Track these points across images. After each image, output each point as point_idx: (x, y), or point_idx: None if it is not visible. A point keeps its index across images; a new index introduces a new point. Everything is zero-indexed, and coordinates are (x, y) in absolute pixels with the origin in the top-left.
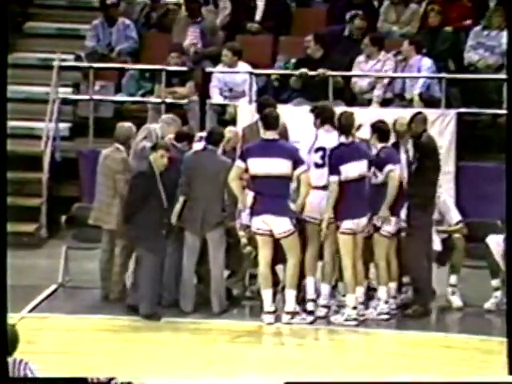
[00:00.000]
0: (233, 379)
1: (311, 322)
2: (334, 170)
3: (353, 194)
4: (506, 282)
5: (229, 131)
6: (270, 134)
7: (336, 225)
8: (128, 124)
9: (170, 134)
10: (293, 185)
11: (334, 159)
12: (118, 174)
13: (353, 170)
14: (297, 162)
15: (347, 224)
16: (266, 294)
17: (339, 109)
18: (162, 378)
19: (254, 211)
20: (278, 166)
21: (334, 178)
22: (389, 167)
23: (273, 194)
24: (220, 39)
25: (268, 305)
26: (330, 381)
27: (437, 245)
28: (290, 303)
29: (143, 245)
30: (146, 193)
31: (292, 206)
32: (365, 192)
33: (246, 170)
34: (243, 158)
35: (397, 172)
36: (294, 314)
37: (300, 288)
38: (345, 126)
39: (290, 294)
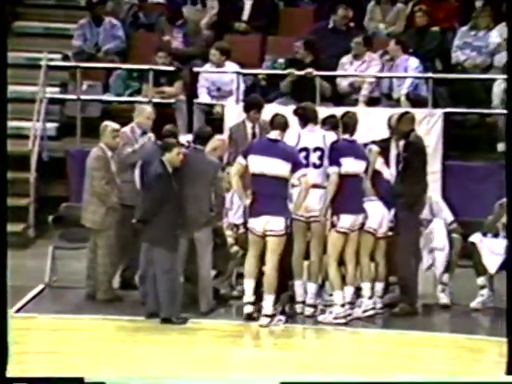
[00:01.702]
0: (222, 379)
1: (285, 322)
2: (334, 162)
3: (351, 188)
4: (506, 282)
5: (216, 139)
6: (274, 134)
7: (331, 222)
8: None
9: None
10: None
11: (334, 151)
12: (94, 171)
13: (352, 165)
14: (296, 164)
15: (344, 222)
16: (248, 283)
17: (328, 110)
18: (150, 378)
19: (252, 211)
20: (275, 166)
21: (335, 169)
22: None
23: (270, 194)
24: (203, 40)
25: (248, 295)
26: (328, 381)
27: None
28: (268, 307)
29: (163, 246)
30: (163, 194)
31: (290, 206)
32: (361, 190)
33: (247, 167)
34: (245, 154)
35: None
36: (272, 316)
37: (287, 288)
38: (348, 125)
39: (269, 299)
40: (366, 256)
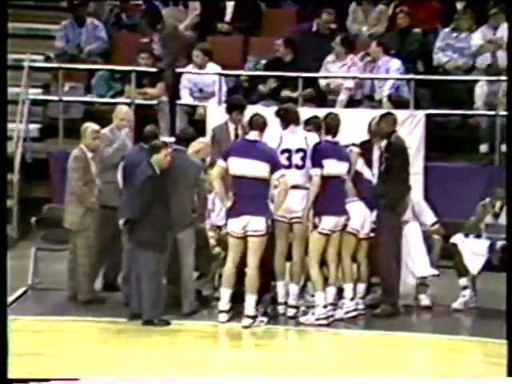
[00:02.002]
0: (212, 380)
1: (267, 323)
2: (316, 164)
3: (333, 190)
4: (506, 283)
5: (199, 142)
6: (253, 135)
7: (313, 223)
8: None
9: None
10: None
11: (316, 153)
12: (73, 172)
13: (334, 167)
14: (275, 165)
15: (326, 224)
16: (225, 292)
17: (311, 111)
18: (131, 379)
19: (232, 213)
20: (255, 168)
21: (317, 171)
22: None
23: (251, 195)
24: (180, 46)
25: (224, 303)
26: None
27: None
28: (250, 307)
29: (151, 249)
30: (153, 196)
31: (271, 207)
32: (343, 192)
33: (227, 170)
34: (224, 156)
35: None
36: (254, 317)
37: (270, 289)
38: (330, 126)
39: (250, 299)
40: (348, 257)
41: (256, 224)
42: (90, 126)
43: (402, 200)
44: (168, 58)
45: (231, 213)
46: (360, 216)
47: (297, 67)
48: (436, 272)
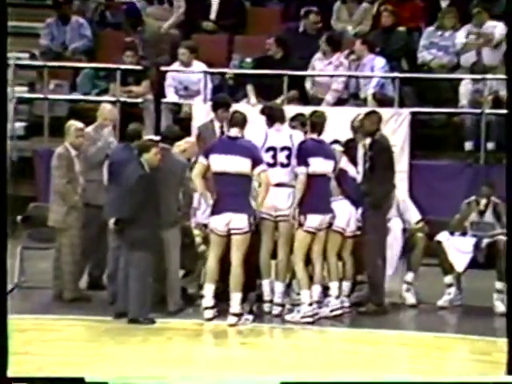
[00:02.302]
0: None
1: (253, 321)
2: (302, 162)
3: (319, 188)
4: (506, 282)
5: (185, 142)
6: (234, 132)
7: (298, 221)
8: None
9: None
10: (255, 183)
11: (302, 151)
12: (56, 170)
13: (319, 165)
14: (256, 160)
15: (311, 222)
16: (208, 288)
17: (295, 109)
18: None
19: (215, 210)
20: (237, 163)
21: (302, 170)
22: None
23: (233, 192)
24: (165, 44)
25: (208, 300)
26: (328, 381)
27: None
28: (235, 305)
29: (143, 249)
30: (146, 195)
31: (253, 204)
32: (329, 190)
33: (209, 167)
34: (206, 154)
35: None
36: (239, 315)
37: (255, 287)
38: (316, 124)
39: (236, 297)
40: (333, 255)
41: (238, 222)
42: (74, 124)
43: (387, 199)
44: (151, 59)
45: (214, 210)
46: (345, 214)
47: (287, 66)
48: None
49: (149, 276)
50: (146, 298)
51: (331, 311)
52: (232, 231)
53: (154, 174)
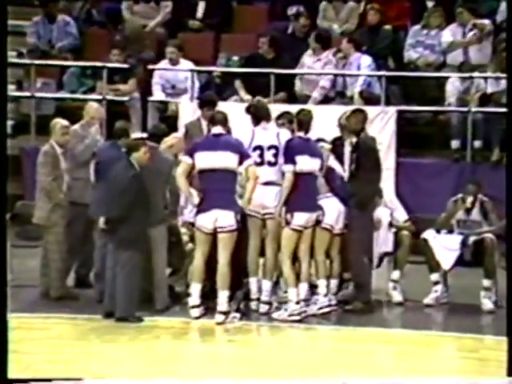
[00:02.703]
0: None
1: (240, 319)
2: (289, 160)
3: (306, 186)
4: (506, 282)
5: (172, 137)
6: (217, 129)
7: (285, 219)
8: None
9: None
10: (240, 180)
11: (289, 149)
12: (41, 167)
13: (306, 163)
14: (242, 155)
15: (298, 220)
16: (195, 288)
17: (282, 107)
18: (103, 378)
19: (201, 208)
20: (223, 159)
21: (289, 168)
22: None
23: (219, 189)
24: (148, 43)
25: (194, 299)
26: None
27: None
28: (223, 303)
29: (132, 248)
30: (137, 194)
31: (239, 201)
32: (316, 188)
33: (193, 166)
34: (190, 153)
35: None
36: (227, 313)
37: (242, 285)
38: (303, 122)
39: (223, 295)
40: (321, 253)
41: (225, 219)
42: (59, 122)
43: (372, 199)
44: (135, 56)
45: (200, 208)
46: (334, 211)
47: (277, 66)
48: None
49: (136, 275)
50: (133, 297)
51: (319, 309)
52: (219, 229)
53: (142, 172)
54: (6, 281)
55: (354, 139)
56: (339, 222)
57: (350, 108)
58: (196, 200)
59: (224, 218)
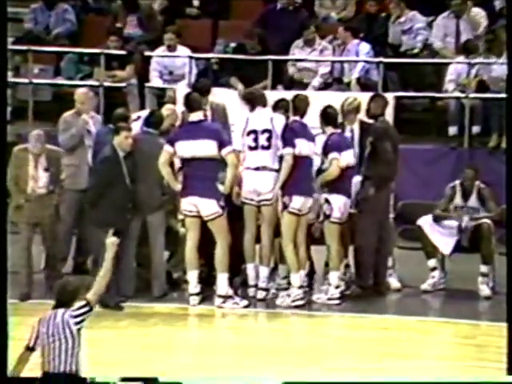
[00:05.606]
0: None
1: (246, 306)
2: (288, 142)
3: (303, 170)
4: (506, 278)
5: (166, 109)
6: (195, 116)
7: (283, 203)
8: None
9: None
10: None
11: (288, 132)
12: None
13: (305, 146)
14: (222, 142)
15: (295, 203)
16: (191, 275)
17: (279, 93)
18: (101, 365)
19: (182, 193)
20: (203, 147)
21: (289, 150)
22: (333, 155)
23: (199, 176)
24: (158, 24)
25: (193, 286)
26: (329, 381)
27: None
28: (222, 287)
29: (109, 229)
30: (110, 177)
31: (220, 188)
32: (312, 173)
33: (175, 154)
34: (171, 142)
35: (341, 160)
36: (226, 297)
37: (240, 272)
38: (299, 107)
39: (222, 278)
40: (335, 244)
41: (208, 208)
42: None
43: (389, 182)
44: (148, 36)
45: (182, 193)
46: (341, 206)
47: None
48: None
49: (120, 260)
50: (114, 282)
51: (329, 299)
52: (206, 218)
53: (132, 157)
54: (6, 278)
55: (359, 124)
56: (345, 212)
57: (347, 94)
58: (179, 187)
59: (206, 207)
